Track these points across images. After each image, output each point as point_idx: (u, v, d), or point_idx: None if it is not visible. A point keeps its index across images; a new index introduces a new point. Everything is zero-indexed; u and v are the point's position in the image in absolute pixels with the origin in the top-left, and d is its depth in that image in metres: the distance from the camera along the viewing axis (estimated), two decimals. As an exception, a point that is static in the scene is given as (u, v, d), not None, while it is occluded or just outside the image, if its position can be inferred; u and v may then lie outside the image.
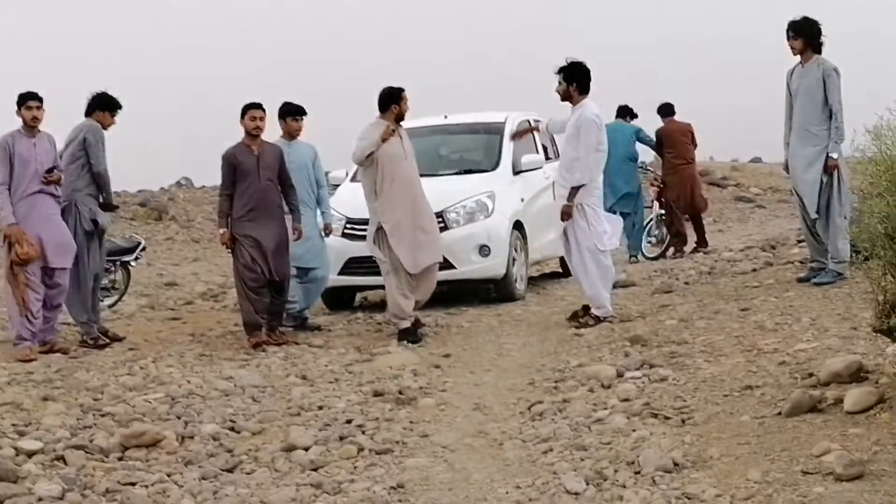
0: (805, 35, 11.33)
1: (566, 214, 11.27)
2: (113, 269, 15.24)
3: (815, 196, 11.16)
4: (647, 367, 8.82)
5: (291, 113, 12.24)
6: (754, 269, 13.45)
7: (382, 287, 12.16)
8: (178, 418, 8.07)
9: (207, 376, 9.47)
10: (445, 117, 13.92)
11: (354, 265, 12.58)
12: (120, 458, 7.26)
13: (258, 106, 11.34)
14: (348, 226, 13.22)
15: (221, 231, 11.20)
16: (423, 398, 8.57)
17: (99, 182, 11.37)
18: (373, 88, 11.30)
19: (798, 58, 11.49)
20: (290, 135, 12.20)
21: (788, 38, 11.45)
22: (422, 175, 11.77)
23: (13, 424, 7.92)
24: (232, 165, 11.15)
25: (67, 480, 6.67)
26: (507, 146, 14.23)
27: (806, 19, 11.32)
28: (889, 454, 6.05)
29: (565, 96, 11.36)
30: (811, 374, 7.68)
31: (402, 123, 11.39)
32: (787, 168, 11.73)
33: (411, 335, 11.13)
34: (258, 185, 11.12)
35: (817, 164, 11.12)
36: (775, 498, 5.65)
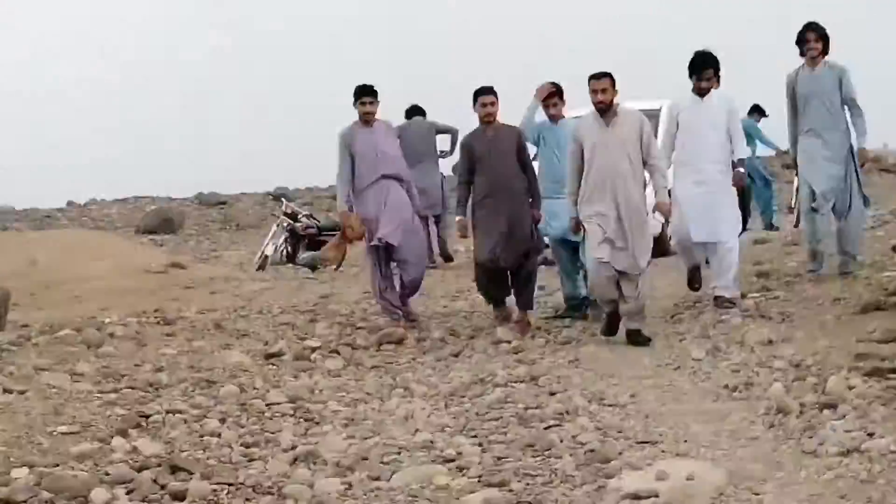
0: (823, 36, 11.45)
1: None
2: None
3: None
4: (766, 290, 11.42)
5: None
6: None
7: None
8: (413, 328, 11.01)
9: (428, 304, 12.41)
10: None
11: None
12: (377, 350, 10.24)
13: (489, 90, 11.00)
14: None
15: (458, 219, 11.20)
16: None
17: None
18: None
19: (804, 66, 11.56)
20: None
21: (811, 41, 11.41)
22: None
23: (294, 334, 10.96)
24: (468, 152, 10.98)
25: (345, 359, 9.71)
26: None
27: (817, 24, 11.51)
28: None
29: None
30: (885, 289, 10.23)
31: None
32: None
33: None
34: (492, 170, 10.83)
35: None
36: (832, 353, 8.36)
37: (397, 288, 11.45)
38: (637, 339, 9.97)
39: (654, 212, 10.47)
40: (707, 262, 11.31)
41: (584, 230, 10.12)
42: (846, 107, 11.46)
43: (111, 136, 50.38)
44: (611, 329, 10.23)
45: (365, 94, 11.31)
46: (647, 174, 10.23)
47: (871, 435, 6.45)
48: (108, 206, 29.74)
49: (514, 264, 10.82)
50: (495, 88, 11.06)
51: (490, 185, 10.82)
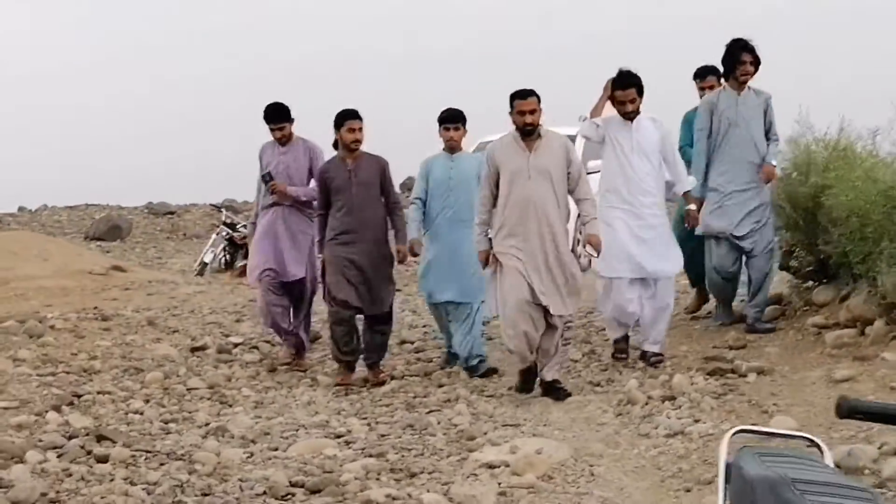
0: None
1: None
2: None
3: None
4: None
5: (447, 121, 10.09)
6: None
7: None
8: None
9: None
10: None
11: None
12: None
13: (354, 115, 9.81)
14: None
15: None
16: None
17: None
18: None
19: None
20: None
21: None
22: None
23: (220, 331, 11.95)
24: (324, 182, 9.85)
25: (263, 353, 10.75)
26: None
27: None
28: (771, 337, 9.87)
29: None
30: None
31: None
32: None
33: None
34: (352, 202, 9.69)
35: None
36: (689, 356, 9.60)
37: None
38: (555, 392, 8.87)
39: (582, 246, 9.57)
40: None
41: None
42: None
43: (69, 147, 51.35)
44: (527, 384, 9.08)
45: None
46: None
47: (696, 421, 7.61)
48: (58, 213, 30.55)
49: None
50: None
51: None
